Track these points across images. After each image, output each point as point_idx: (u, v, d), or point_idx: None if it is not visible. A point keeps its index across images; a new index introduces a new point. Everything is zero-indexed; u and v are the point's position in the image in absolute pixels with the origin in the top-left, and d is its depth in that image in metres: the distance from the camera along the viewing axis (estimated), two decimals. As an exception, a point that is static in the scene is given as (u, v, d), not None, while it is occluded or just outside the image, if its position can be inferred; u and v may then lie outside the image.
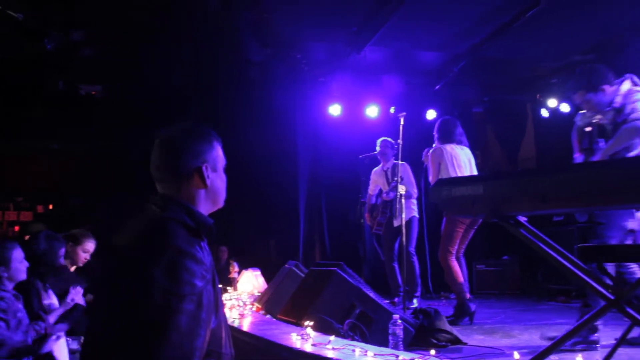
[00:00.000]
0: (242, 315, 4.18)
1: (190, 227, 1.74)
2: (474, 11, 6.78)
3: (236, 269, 6.45)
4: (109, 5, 6.51)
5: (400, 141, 5.65)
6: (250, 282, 6.49)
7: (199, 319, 1.60)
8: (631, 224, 4.92)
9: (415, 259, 6.58)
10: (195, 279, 1.62)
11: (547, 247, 2.72)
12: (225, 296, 5.67)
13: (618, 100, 3.85)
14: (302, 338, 2.90)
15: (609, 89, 3.92)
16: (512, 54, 8.13)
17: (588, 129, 4.07)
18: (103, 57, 7.64)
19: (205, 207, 1.91)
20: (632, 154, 3.73)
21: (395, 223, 6.51)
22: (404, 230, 5.46)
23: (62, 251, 4.11)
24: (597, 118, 4.06)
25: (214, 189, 1.92)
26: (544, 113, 9.45)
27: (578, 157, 4.09)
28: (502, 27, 7.14)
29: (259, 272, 6.74)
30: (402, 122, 5.50)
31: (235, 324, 3.84)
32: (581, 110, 4.47)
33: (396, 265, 6.75)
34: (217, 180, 1.93)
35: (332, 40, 7.53)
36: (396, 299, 6.55)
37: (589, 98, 3.95)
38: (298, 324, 3.53)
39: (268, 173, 8.96)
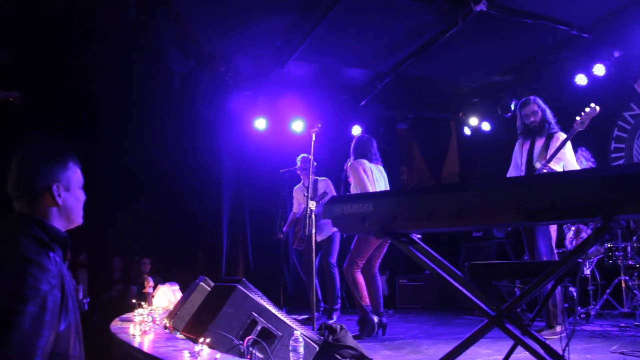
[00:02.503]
0: (144, 332, 4.07)
1: (40, 239, 1.91)
2: (395, 30, 6.94)
3: (151, 283, 6.29)
4: (25, 11, 6.30)
5: (311, 157, 5.67)
6: (167, 297, 6.34)
7: (42, 321, 1.77)
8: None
9: (336, 271, 6.61)
10: (40, 284, 1.79)
11: (435, 265, 2.77)
12: (138, 311, 5.52)
13: None
14: (192, 356, 2.84)
15: None
16: (434, 73, 8.36)
17: None
18: (21, 63, 7.37)
19: (59, 224, 2.06)
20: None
21: (318, 238, 6.54)
22: (313, 246, 5.45)
23: None
24: None
25: (67, 207, 2.08)
26: (467, 131, 9.72)
27: None
28: (423, 47, 7.34)
29: (177, 287, 6.59)
30: (313, 138, 5.52)
31: (136, 342, 3.73)
32: None
33: (316, 281, 6.75)
34: (71, 199, 2.09)
35: (256, 54, 7.53)
36: (316, 314, 6.53)
37: None
38: (197, 340, 3.46)
39: (193, 186, 8.84)
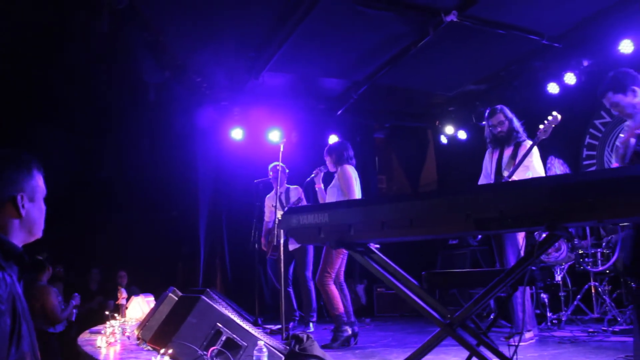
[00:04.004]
0: (110, 344, 4.08)
1: None
2: (368, 40, 7.00)
3: (124, 295, 6.29)
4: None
5: (279, 167, 5.67)
6: (140, 309, 6.33)
7: None
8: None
9: (311, 284, 6.61)
10: None
11: (390, 275, 2.80)
12: (109, 323, 5.50)
13: None
14: (150, 368, 2.85)
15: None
16: (409, 83, 8.43)
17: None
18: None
19: (19, 238, 1.84)
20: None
21: (291, 247, 6.55)
22: (282, 256, 5.45)
23: None
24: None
25: (30, 220, 1.86)
26: (443, 139, 9.80)
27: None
28: (396, 56, 7.41)
29: (152, 298, 6.58)
30: (281, 149, 5.54)
31: (101, 353, 3.74)
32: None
33: (291, 290, 6.78)
34: (34, 210, 1.88)
35: (230, 65, 7.55)
36: (290, 324, 6.55)
37: (618, 100, 3.82)
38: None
39: (171, 197, 8.83)
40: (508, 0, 6.25)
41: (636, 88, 3.78)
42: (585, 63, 7.29)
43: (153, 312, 4.80)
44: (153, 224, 8.83)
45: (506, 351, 2.67)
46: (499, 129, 5.33)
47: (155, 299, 6.34)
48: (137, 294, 6.80)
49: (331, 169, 5.70)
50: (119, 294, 6.32)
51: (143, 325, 4.78)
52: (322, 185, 5.85)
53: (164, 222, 8.91)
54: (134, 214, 8.60)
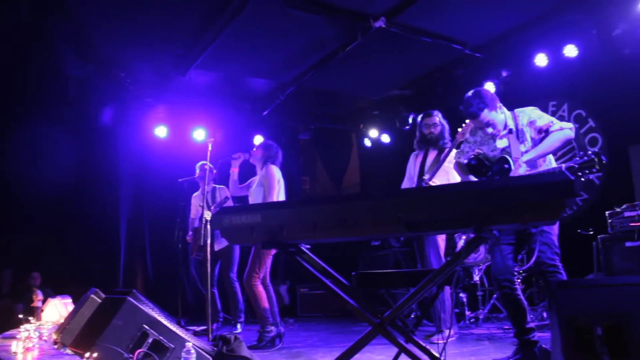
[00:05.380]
0: (27, 349, 3.91)
1: None
2: (296, 42, 7.03)
3: (40, 297, 6.03)
4: None
5: (207, 166, 5.63)
6: (57, 311, 6.10)
7: None
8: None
9: (237, 285, 6.59)
10: None
11: (321, 275, 2.84)
12: (24, 327, 5.27)
13: (510, 122, 3.83)
14: (74, 372, 2.77)
15: (501, 108, 3.87)
16: (336, 86, 8.53)
17: (478, 151, 4.08)
18: None
19: None
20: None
21: (216, 247, 6.49)
22: (209, 256, 5.40)
23: None
24: (478, 151, 4.09)
25: None
26: (367, 142, 9.98)
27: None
28: (324, 59, 7.49)
29: (69, 300, 6.36)
30: (210, 148, 5.49)
31: (18, 359, 3.58)
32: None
33: (215, 291, 6.71)
34: None
35: (157, 61, 7.39)
36: (214, 325, 6.48)
37: (492, 118, 3.81)
38: (84, 355, 3.35)
39: (90, 195, 8.52)
40: (434, 10, 6.43)
41: (501, 105, 3.90)
42: (504, 74, 7.64)
43: (73, 314, 4.63)
44: (71, 222, 8.50)
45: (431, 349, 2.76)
46: (432, 130, 5.52)
47: (74, 301, 6.13)
48: (53, 296, 6.54)
49: (254, 162, 5.67)
50: (34, 296, 6.06)
51: (62, 328, 4.60)
52: (237, 170, 5.77)
53: (82, 221, 8.59)
54: (51, 212, 8.24)
